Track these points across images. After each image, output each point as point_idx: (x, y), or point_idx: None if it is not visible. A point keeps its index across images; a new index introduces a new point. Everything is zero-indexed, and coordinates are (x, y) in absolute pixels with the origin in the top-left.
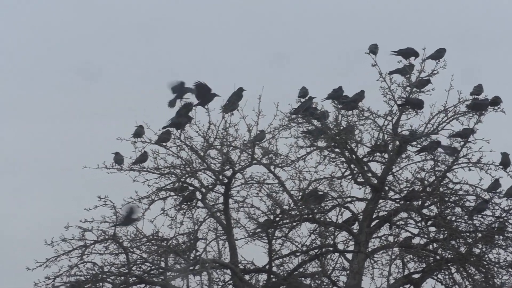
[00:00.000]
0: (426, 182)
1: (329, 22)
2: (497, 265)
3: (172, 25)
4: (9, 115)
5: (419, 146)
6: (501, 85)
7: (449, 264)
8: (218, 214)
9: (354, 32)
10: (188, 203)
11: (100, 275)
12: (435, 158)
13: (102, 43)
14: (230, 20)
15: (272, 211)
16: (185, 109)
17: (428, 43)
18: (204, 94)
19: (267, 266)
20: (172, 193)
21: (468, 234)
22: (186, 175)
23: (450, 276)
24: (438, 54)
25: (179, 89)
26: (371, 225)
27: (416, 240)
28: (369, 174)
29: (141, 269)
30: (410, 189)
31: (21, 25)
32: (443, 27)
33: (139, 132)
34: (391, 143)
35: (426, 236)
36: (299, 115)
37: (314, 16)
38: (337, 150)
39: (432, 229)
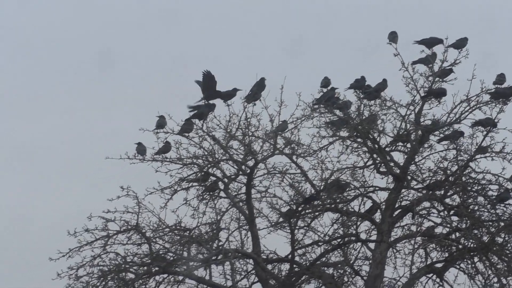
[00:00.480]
0: (448, 171)
1: (347, 11)
2: None
3: (188, 14)
4: (33, 107)
5: (441, 135)
6: None
7: (471, 253)
8: (241, 204)
9: (371, 21)
10: (211, 193)
11: (123, 265)
12: (458, 147)
13: (119, 31)
14: (245, 8)
15: (294, 201)
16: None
17: (447, 31)
18: (210, 86)
19: (290, 256)
20: (194, 183)
21: (490, 223)
22: (209, 166)
23: (473, 265)
24: (461, 43)
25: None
26: (394, 215)
27: (438, 230)
28: (392, 164)
29: (164, 259)
30: (433, 179)
31: (37, 15)
32: (461, 14)
33: (161, 123)
34: (414, 133)
35: (448, 225)
36: (322, 105)
37: (332, 4)
38: (359, 140)
39: (455, 218)
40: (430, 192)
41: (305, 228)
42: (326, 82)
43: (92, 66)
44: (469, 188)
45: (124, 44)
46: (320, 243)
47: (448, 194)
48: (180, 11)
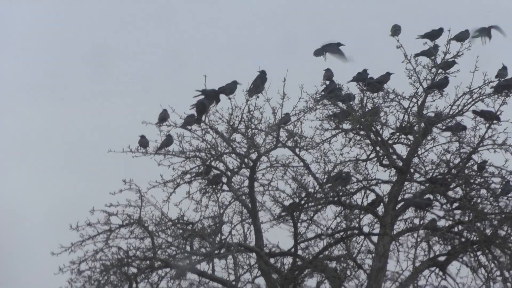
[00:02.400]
0: (451, 164)
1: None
2: None
3: (185, 8)
4: (32, 98)
5: (444, 128)
6: None
7: (474, 246)
8: (243, 197)
9: (373, 13)
10: (214, 186)
11: (125, 259)
12: (460, 140)
13: (115, 27)
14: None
15: (297, 194)
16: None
17: (447, 22)
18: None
19: (293, 249)
20: (197, 177)
21: (493, 216)
22: (211, 159)
23: (476, 258)
24: (463, 36)
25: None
26: (397, 208)
27: (441, 223)
28: (394, 157)
29: (167, 253)
30: (438, 174)
31: (34, 11)
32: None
33: (163, 116)
34: (417, 125)
35: (451, 218)
36: (324, 97)
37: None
38: (362, 132)
39: (458, 211)
40: (433, 184)
41: (308, 221)
42: (329, 74)
43: (89, 60)
44: (472, 180)
45: (121, 39)
46: (323, 237)
47: (451, 186)
48: (177, 8)
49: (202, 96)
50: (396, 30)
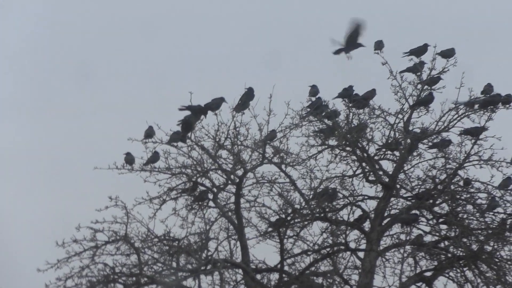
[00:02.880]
0: (437, 180)
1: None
2: (509, 262)
3: (168, 24)
4: (17, 114)
5: (430, 143)
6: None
7: (461, 262)
8: (230, 213)
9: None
10: (200, 203)
11: (111, 276)
12: (446, 155)
13: (97, 43)
14: (224, 18)
15: (283, 210)
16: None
17: (429, 39)
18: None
19: (279, 265)
20: (183, 193)
21: (479, 231)
22: (197, 175)
23: (462, 273)
24: (449, 53)
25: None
26: (383, 223)
27: (428, 238)
28: (381, 173)
29: (153, 270)
30: (423, 189)
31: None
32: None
33: (149, 133)
34: (403, 141)
35: (437, 234)
36: (310, 114)
37: (314, 12)
38: (348, 148)
39: (444, 226)
40: (420, 200)
41: (294, 237)
42: (314, 91)
43: (74, 76)
44: (458, 196)
45: (106, 55)
46: (309, 253)
47: (437, 202)
48: (159, 24)
49: (189, 112)
50: (379, 45)
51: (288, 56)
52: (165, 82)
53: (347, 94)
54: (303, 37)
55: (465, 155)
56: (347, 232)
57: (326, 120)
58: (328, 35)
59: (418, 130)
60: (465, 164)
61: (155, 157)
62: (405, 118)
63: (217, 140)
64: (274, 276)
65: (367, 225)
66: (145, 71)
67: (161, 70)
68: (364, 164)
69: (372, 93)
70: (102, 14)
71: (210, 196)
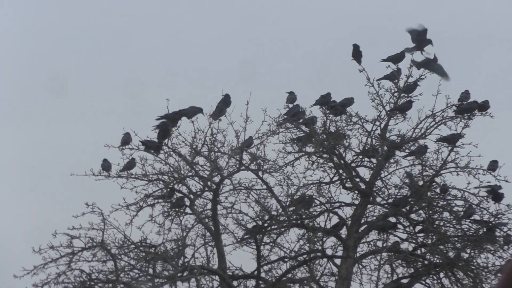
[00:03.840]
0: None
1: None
2: (485, 270)
3: (142, 32)
4: None
5: (407, 151)
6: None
7: (437, 269)
8: (207, 220)
9: (334, 37)
10: (176, 209)
11: (88, 282)
12: (423, 162)
13: (69, 55)
14: (199, 26)
15: (260, 217)
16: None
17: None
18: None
19: (256, 272)
20: (160, 200)
21: (456, 238)
22: (174, 182)
23: (439, 281)
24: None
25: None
26: (360, 230)
27: (404, 245)
28: (358, 179)
29: (129, 276)
30: (399, 195)
31: None
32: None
33: (126, 139)
34: (380, 148)
35: (414, 241)
36: (287, 121)
37: (294, 16)
38: (325, 155)
39: (421, 234)
40: (396, 207)
41: (271, 244)
42: (292, 98)
43: (50, 84)
44: (435, 203)
45: (82, 63)
46: (286, 259)
47: (414, 209)
48: (134, 32)
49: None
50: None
51: (264, 64)
52: (142, 90)
53: (325, 101)
54: (279, 45)
55: (442, 162)
56: (324, 239)
57: (303, 127)
58: (306, 44)
59: (395, 137)
60: (442, 171)
61: (131, 163)
62: (382, 125)
63: (194, 146)
64: (251, 283)
65: (344, 232)
66: (123, 79)
67: (137, 78)
68: (341, 171)
69: (349, 101)
70: (77, 24)
71: (187, 202)
